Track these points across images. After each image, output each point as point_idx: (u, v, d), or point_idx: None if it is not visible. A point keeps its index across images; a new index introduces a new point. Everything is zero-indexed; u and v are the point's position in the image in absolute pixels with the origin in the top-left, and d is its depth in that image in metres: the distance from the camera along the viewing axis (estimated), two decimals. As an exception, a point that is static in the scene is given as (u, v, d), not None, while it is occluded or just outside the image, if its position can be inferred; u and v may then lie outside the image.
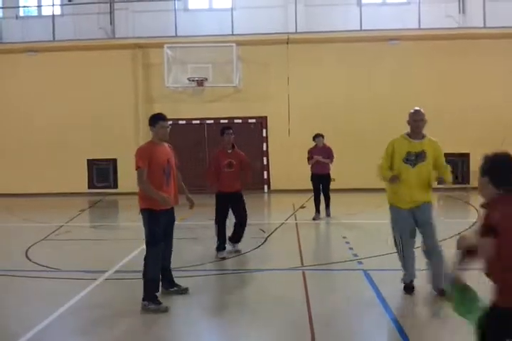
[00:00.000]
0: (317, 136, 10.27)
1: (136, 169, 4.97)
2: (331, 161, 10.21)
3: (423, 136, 5.35)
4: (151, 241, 5.04)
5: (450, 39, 14.99)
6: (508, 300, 2.49)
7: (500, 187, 2.55)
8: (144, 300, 4.89)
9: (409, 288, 5.20)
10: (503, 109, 14.98)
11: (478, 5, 14.93)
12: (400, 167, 5.17)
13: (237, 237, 7.24)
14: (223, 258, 6.88)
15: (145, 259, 5.05)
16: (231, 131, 7.35)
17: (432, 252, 5.02)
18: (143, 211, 5.06)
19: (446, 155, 5.56)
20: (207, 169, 7.58)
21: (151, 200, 4.97)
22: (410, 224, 5.13)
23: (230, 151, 7.29)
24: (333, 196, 10.47)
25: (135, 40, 15.49)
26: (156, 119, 5.30)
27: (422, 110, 5.46)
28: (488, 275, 2.57)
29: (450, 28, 15.06)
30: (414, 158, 5.18)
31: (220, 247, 7.01)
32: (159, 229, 5.10)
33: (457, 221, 10.18)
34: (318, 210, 10.07)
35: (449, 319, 4.48)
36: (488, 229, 2.48)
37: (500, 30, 14.54)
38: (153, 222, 5.03)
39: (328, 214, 10.14)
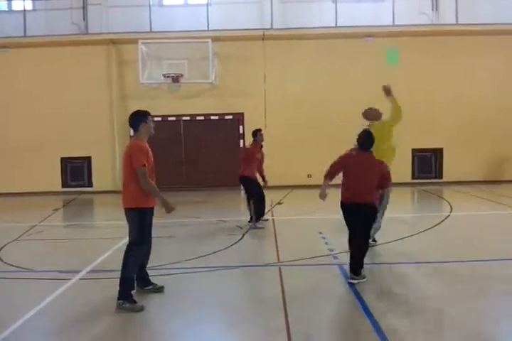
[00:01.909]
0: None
1: (140, 167, 4.85)
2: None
3: None
4: (139, 240, 4.98)
5: (424, 35, 15.20)
6: None
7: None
8: (119, 298, 4.84)
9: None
10: (477, 104, 15.27)
11: (451, 2, 15.17)
12: None
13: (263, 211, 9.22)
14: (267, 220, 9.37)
15: (126, 258, 4.97)
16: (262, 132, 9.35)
17: None
18: (132, 210, 4.95)
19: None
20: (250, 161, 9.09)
21: (140, 199, 4.89)
22: None
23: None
24: (309, 192, 10.50)
25: (109, 35, 15.26)
26: (145, 115, 5.24)
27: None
28: None
29: (424, 24, 15.27)
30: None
31: (259, 219, 8.95)
32: (148, 228, 5.04)
33: (430, 215, 10.37)
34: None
35: (426, 314, 4.56)
36: None
37: (472, 27, 14.79)
38: (143, 221, 4.97)
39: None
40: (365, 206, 5.47)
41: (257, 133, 9.47)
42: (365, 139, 5.68)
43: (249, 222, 9.13)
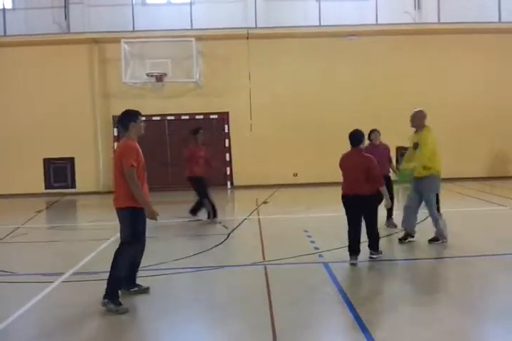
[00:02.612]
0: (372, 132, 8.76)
1: (128, 168, 4.80)
2: None
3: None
4: (131, 240, 4.94)
5: (407, 34, 15.31)
6: None
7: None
8: (105, 297, 4.77)
9: None
10: (462, 103, 15.43)
11: (433, 1, 15.30)
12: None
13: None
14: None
15: (117, 257, 4.92)
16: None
17: None
18: (124, 210, 4.91)
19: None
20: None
21: (132, 199, 4.85)
22: None
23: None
24: (295, 191, 10.52)
25: (91, 34, 15.09)
26: (136, 115, 5.21)
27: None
28: None
29: (406, 23, 15.38)
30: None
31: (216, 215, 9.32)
32: (141, 227, 5.02)
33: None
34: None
35: (408, 309, 4.58)
36: None
37: (454, 25, 14.94)
38: (136, 220, 4.94)
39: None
40: (358, 197, 6.01)
41: (197, 132, 9.62)
42: (353, 137, 6.24)
43: (208, 218, 9.34)
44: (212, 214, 9.33)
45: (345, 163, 6.30)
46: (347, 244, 6.15)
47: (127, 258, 4.96)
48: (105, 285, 4.85)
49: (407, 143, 7.78)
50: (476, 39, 15.31)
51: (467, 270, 5.86)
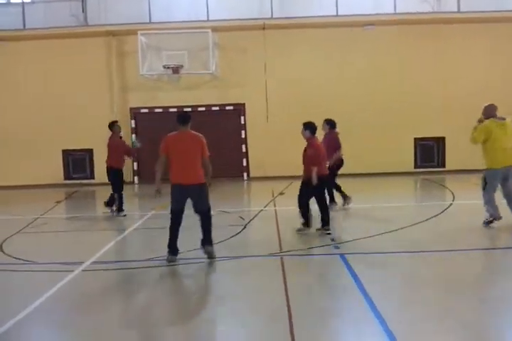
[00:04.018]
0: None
1: (207, 155, 6.25)
2: None
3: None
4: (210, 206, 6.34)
5: (425, 23, 15.05)
6: None
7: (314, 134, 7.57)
8: (208, 244, 6.09)
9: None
10: (479, 92, 15.14)
11: (453, -11, 15.02)
12: None
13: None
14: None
15: (210, 221, 6.23)
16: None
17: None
18: (204, 184, 6.21)
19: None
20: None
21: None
22: None
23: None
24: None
25: (108, 27, 15.17)
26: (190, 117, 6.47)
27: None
28: None
29: (425, 12, 15.12)
30: None
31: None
32: None
33: (433, 203, 10.36)
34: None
35: (427, 303, 4.56)
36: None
37: (474, 14, 14.65)
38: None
39: None
40: (308, 179, 7.37)
41: (113, 125, 9.88)
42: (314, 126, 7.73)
43: (112, 211, 9.68)
44: (117, 208, 9.61)
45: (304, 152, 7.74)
46: (364, 235, 6.14)
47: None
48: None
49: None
50: (496, 28, 14.98)
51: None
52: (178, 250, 6.13)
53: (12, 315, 4.39)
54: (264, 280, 5.39)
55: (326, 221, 7.36)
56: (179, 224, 6.17)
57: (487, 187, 7.52)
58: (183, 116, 6.38)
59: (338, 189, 9.58)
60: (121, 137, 10.05)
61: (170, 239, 6.11)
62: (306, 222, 7.59)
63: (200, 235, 6.23)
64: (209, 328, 4.25)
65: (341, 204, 9.54)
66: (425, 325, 4.02)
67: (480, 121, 7.70)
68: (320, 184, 7.38)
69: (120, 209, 9.62)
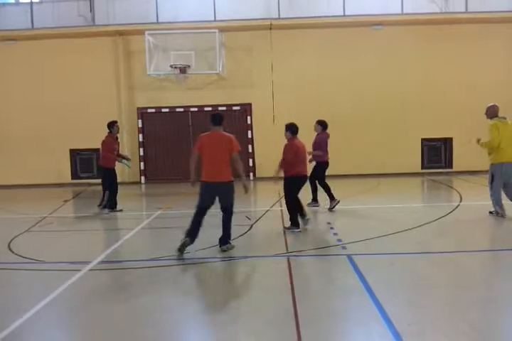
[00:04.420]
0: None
1: (238, 152, 6.53)
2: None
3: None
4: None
5: (433, 24, 15.02)
6: None
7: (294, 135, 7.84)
8: (224, 244, 6.53)
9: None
10: (487, 93, 15.07)
11: (460, -10, 14.96)
12: None
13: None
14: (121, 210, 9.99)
15: (231, 216, 6.64)
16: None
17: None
18: (231, 182, 6.51)
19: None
20: None
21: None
22: None
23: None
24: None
25: (116, 27, 15.26)
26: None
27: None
28: None
29: (433, 12, 15.08)
30: None
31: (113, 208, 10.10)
32: None
33: (441, 204, 10.32)
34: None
35: (434, 303, 4.55)
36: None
37: (481, 14, 14.59)
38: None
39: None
40: (287, 178, 7.75)
41: (112, 125, 9.98)
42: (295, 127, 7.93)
43: (98, 205, 9.98)
44: (105, 205, 9.89)
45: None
46: (371, 236, 6.12)
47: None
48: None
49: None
50: (505, 29, 14.92)
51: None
52: (196, 237, 6.44)
53: (21, 313, 4.42)
54: (271, 280, 5.39)
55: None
56: (201, 220, 6.52)
57: (494, 183, 8.09)
58: (217, 117, 6.61)
59: (328, 190, 9.61)
60: (117, 138, 10.19)
61: (190, 228, 6.43)
62: (302, 217, 7.78)
63: (208, 235, 6.22)
64: (214, 329, 4.25)
65: (326, 206, 9.61)
66: (433, 326, 4.01)
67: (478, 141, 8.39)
68: (298, 183, 7.70)
69: (105, 206, 9.90)
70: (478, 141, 8.33)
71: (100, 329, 4.21)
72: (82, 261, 6.20)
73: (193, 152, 6.58)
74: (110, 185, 9.94)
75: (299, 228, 7.66)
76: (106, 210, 9.88)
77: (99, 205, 10.04)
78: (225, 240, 6.61)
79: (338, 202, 9.50)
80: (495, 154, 8.13)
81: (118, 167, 10.35)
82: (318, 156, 9.66)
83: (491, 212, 8.30)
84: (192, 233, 6.40)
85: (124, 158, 10.44)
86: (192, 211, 6.58)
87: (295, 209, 7.72)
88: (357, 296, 4.74)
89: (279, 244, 6.88)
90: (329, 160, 9.81)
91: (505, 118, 8.22)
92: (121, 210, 10.09)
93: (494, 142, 8.01)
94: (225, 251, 6.48)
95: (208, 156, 6.44)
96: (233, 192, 6.59)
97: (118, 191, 10.17)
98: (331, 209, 9.45)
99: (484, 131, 15.53)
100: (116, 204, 10.11)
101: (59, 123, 15.47)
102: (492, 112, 8.26)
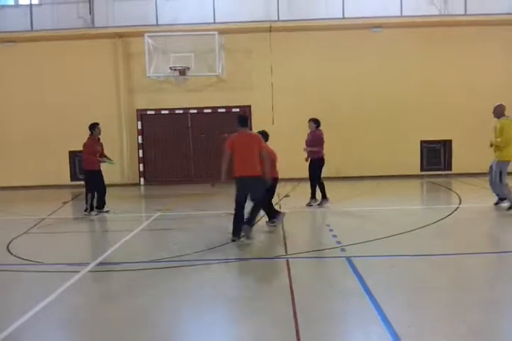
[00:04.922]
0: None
1: (264, 151, 7.19)
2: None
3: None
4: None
5: (432, 26, 15.05)
6: None
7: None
8: (249, 224, 7.16)
9: None
10: (486, 95, 15.10)
11: (460, -8, 15.00)
12: None
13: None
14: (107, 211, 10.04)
15: (258, 207, 7.31)
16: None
17: None
18: (260, 177, 7.09)
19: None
20: None
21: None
22: None
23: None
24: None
25: (115, 29, 15.27)
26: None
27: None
28: None
29: (432, 15, 15.11)
30: None
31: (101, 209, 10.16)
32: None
33: (440, 207, 10.32)
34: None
35: (433, 305, 4.54)
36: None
37: (481, 17, 14.63)
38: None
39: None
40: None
41: (94, 127, 10.09)
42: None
43: (85, 210, 9.90)
44: (88, 208, 9.94)
45: None
46: (370, 238, 6.12)
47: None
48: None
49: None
50: (503, 31, 14.95)
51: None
52: (240, 231, 7.11)
53: (20, 315, 4.41)
54: (270, 282, 5.38)
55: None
56: (243, 214, 7.15)
57: (502, 178, 8.71)
58: (244, 119, 7.47)
59: (322, 188, 10.02)
60: (99, 139, 10.25)
61: (234, 225, 7.09)
62: (275, 212, 8.17)
63: (207, 237, 6.19)
64: (213, 331, 4.25)
65: (317, 203, 10.08)
66: (432, 328, 4.01)
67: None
68: (271, 185, 7.89)
69: (89, 209, 9.92)
70: (492, 144, 8.89)
71: (99, 331, 4.20)
72: (80, 263, 6.19)
73: (225, 152, 7.13)
74: (95, 186, 10.00)
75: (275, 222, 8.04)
76: (92, 212, 9.91)
77: (85, 210, 9.97)
78: (248, 221, 7.15)
79: (321, 204, 9.96)
80: (504, 151, 8.69)
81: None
82: (312, 152, 10.02)
83: (496, 203, 9.14)
84: (236, 230, 7.08)
85: (107, 158, 10.44)
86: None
87: (265, 208, 8.06)
88: (356, 298, 4.73)
89: (278, 246, 6.88)
90: (325, 158, 10.19)
91: (509, 116, 8.86)
92: (107, 211, 10.11)
93: (509, 139, 8.60)
94: (245, 232, 7.06)
95: (240, 154, 7.08)
96: (262, 186, 7.19)
97: (106, 192, 10.21)
98: (319, 204, 9.93)
99: (483, 132, 15.58)
100: (104, 204, 10.15)
101: (58, 125, 15.46)
102: (500, 111, 8.80)
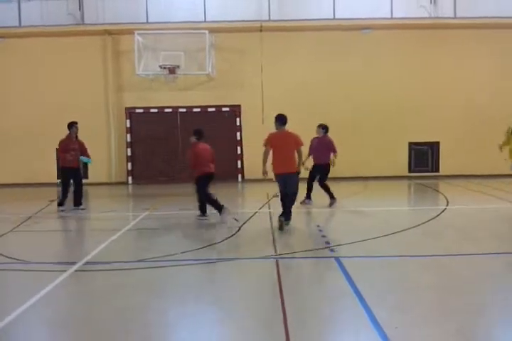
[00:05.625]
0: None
1: (301, 146, 7.97)
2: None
3: None
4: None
5: (422, 28, 15.16)
6: None
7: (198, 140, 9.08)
8: (286, 219, 7.86)
9: None
10: (474, 98, 15.27)
11: (449, -5, 15.12)
12: None
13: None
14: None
15: (293, 201, 8.10)
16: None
17: None
18: (295, 173, 7.91)
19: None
20: None
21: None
22: None
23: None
24: (306, 185, 10.49)
25: (105, 26, 15.15)
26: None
27: None
28: None
29: (422, 17, 15.21)
30: None
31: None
32: None
33: (428, 208, 10.39)
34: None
35: (421, 305, 4.55)
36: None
37: (470, 20, 14.76)
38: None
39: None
40: (197, 176, 8.78)
41: (71, 126, 10.25)
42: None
43: (59, 205, 10.06)
44: (60, 202, 10.07)
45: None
46: (359, 238, 6.12)
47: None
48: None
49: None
50: (492, 34, 15.11)
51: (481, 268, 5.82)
52: (291, 213, 8.04)
53: (5, 315, 4.34)
54: (259, 282, 5.36)
55: (202, 209, 8.77)
56: (286, 201, 8.00)
57: None
58: (283, 118, 7.98)
59: (327, 189, 10.14)
60: (77, 137, 10.32)
61: (283, 209, 7.94)
62: (218, 209, 8.62)
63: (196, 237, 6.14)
64: (202, 331, 4.22)
65: (328, 204, 10.14)
66: (422, 330, 4.01)
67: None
68: (202, 181, 8.66)
69: (61, 204, 10.03)
70: (501, 148, 9.54)
71: (86, 330, 4.15)
72: (67, 262, 6.12)
73: (266, 148, 7.89)
74: (68, 183, 10.07)
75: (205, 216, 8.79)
76: (60, 207, 9.96)
77: (58, 205, 10.08)
78: (284, 214, 7.87)
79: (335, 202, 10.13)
80: None
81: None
82: (320, 158, 10.17)
83: None
84: (286, 211, 7.92)
85: (85, 156, 10.47)
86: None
87: (209, 202, 8.68)
88: (345, 299, 4.73)
89: (267, 246, 6.85)
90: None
91: None
92: (83, 209, 10.20)
93: None
94: (281, 222, 7.65)
95: (278, 152, 7.79)
96: (298, 181, 7.97)
97: (83, 190, 10.28)
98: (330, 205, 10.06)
99: (471, 134, 15.70)
100: (80, 202, 10.18)
101: (45, 122, 15.27)
102: None
